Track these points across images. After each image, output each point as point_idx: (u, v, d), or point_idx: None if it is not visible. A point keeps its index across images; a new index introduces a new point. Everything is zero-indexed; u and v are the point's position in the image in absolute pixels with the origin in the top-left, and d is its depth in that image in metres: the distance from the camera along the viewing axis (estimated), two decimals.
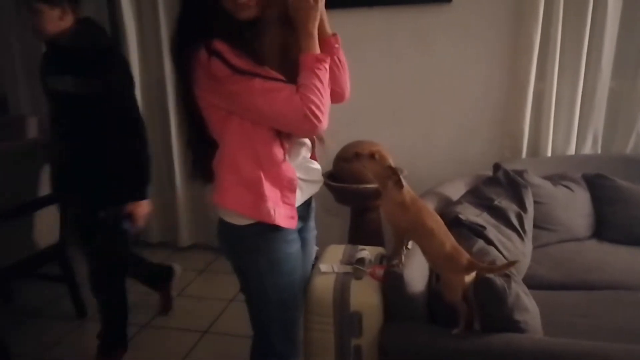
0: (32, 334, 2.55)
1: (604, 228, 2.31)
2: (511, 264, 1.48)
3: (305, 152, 1.48)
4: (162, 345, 2.45)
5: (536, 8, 2.55)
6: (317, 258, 1.71)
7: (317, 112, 1.29)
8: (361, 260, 1.65)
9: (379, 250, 1.81)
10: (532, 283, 1.78)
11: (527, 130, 2.72)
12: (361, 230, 2.70)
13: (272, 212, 1.34)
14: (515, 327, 1.41)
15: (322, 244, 1.92)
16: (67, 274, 2.66)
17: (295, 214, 1.40)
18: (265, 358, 1.50)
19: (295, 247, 1.44)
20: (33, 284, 2.94)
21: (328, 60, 1.34)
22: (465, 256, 1.41)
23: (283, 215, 1.37)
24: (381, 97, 2.97)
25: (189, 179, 1.49)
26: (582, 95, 2.64)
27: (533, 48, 2.60)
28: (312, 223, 1.60)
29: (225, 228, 1.41)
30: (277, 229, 1.36)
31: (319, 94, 1.29)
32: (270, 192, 1.35)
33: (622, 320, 1.71)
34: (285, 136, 1.36)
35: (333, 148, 2.67)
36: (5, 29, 3.38)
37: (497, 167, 2.30)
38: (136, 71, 3.23)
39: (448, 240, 1.43)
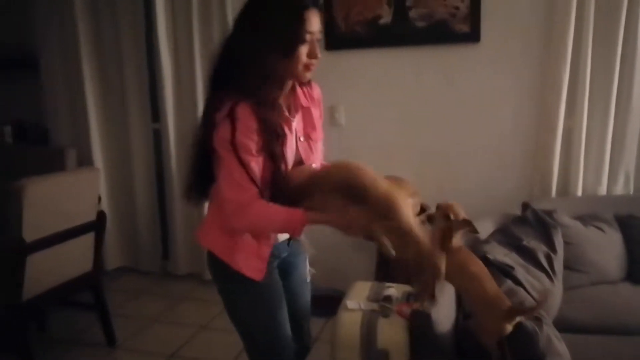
0: None
1: (637, 270, 2.25)
2: (543, 300, 1.45)
3: None
4: None
5: (565, 45, 2.56)
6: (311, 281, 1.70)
7: (242, 227, 1.40)
8: (388, 298, 1.66)
9: (405, 288, 1.81)
10: (563, 326, 1.76)
11: (556, 169, 2.70)
12: (387, 265, 2.70)
13: (240, 263, 1.44)
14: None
15: (349, 280, 1.93)
16: (99, 302, 2.72)
17: (264, 267, 1.46)
18: None
19: (276, 280, 1.51)
20: (66, 311, 3.02)
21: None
22: (506, 302, 1.39)
23: (251, 268, 1.44)
24: (409, 134, 3.00)
25: (183, 198, 1.53)
26: (613, 134, 2.62)
27: (562, 85, 2.60)
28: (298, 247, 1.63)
29: (210, 257, 1.50)
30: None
31: (258, 227, 1.41)
32: (247, 243, 1.44)
33: None
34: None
35: None
36: (49, 62, 3.56)
37: (525, 206, 2.29)
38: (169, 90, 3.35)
39: (490, 285, 1.41)
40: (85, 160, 3.53)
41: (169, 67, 3.33)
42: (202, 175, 1.45)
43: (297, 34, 1.29)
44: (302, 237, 1.58)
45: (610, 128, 2.62)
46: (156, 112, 3.46)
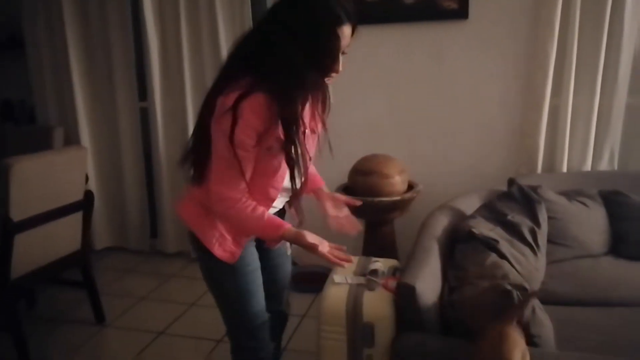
0: (53, 339, 2.62)
1: (620, 245, 2.29)
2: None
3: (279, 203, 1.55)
4: (178, 353, 2.49)
5: (552, 24, 2.57)
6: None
7: (221, 217, 1.45)
8: (374, 272, 1.68)
9: (392, 262, 1.83)
10: (546, 298, 1.79)
11: (542, 146, 2.73)
12: (375, 243, 2.73)
13: (214, 240, 1.47)
14: (529, 341, 1.42)
15: None
16: (88, 281, 2.73)
17: (239, 252, 1.49)
18: (235, 353, 1.63)
19: (251, 254, 1.55)
20: (55, 289, 3.03)
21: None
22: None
23: (225, 250, 1.48)
24: (397, 111, 3.01)
25: (178, 164, 1.52)
26: (599, 111, 2.65)
27: (549, 63, 2.62)
28: None
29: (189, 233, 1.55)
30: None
31: (235, 225, 1.46)
32: (225, 227, 1.48)
33: (637, 337, 1.70)
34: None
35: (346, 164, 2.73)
36: (35, 42, 3.50)
37: (511, 182, 2.31)
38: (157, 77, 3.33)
39: None
40: (72, 139, 3.51)
41: (156, 45, 3.29)
42: (202, 155, 1.44)
43: (333, 53, 1.30)
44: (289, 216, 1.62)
45: (596, 105, 2.64)
46: (143, 90, 3.43)
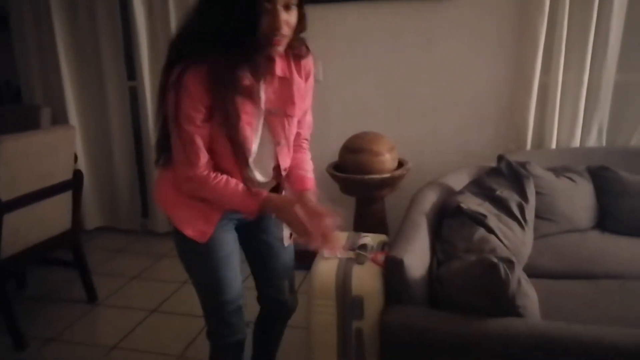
0: (45, 317, 2.63)
1: (607, 219, 2.33)
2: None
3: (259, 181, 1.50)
4: (170, 330, 2.51)
5: (542, 1, 2.56)
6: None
7: (194, 196, 1.45)
8: (364, 246, 1.70)
9: (381, 237, 1.84)
10: (533, 272, 1.82)
11: (531, 123, 2.74)
12: (365, 220, 2.74)
13: (184, 221, 1.46)
14: (515, 311, 1.44)
15: None
16: (79, 260, 2.73)
17: (211, 231, 1.46)
18: (207, 336, 1.62)
19: (224, 237, 1.51)
20: (45, 269, 3.03)
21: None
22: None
23: (196, 229, 1.46)
24: (386, 89, 3.00)
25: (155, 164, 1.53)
26: (588, 88, 2.65)
27: (538, 41, 2.61)
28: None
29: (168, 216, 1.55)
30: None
31: (211, 200, 1.44)
32: (195, 205, 1.46)
33: (622, 308, 1.73)
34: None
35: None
36: (20, 21, 3.44)
37: (500, 158, 2.32)
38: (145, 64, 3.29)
39: None
40: (60, 119, 3.48)
41: (144, 24, 3.25)
42: (166, 137, 1.41)
43: (253, 7, 1.20)
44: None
45: (585, 82, 2.64)
46: (132, 69, 3.39)
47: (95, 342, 2.41)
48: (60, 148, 2.52)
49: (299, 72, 1.47)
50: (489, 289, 1.45)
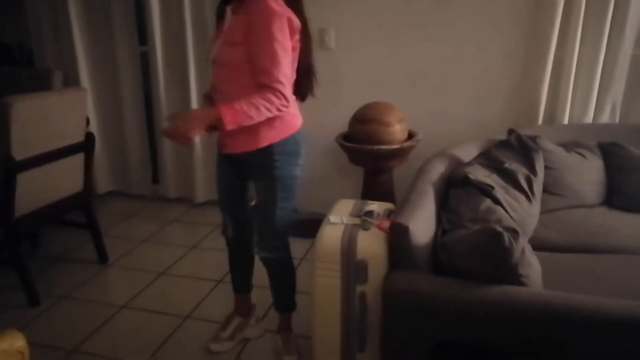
0: (58, 276, 2.70)
1: (615, 196, 2.32)
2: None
3: None
4: (178, 292, 2.57)
5: None
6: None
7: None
8: (370, 213, 1.71)
9: (388, 205, 1.86)
10: (538, 245, 1.83)
11: (544, 98, 2.71)
12: (373, 191, 2.75)
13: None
14: (517, 280, 1.46)
15: (335, 202, 1.98)
16: (90, 222, 2.78)
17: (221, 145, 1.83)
18: None
19: (220, 166, 1.92)
20: (59, 230, 3.09)
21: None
22: None
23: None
24: (398, 60, 2.98)
25: None
26: (603, 64, 2.61)
27: (556, 13, 2.56)
28: (242, 170, 1.86)
29: None
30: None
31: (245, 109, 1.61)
32: None
33: (625, 282, 1.75)
34: None
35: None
36: None
37: (510, 131, 2.31)
38: (157, 23, 3.28)
39: None
40: (71, 83, 3.50)
41: None
42: None
43: None
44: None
45: (602, 57, 2.60)
46: (143, 35, 3.39)
47: (106, 301, 2.47)
48: (72, 110, 2.54)
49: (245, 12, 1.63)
50: (492, 257, 1.46)
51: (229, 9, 1.71)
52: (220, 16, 1.76)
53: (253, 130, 1.67)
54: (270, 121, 1.67)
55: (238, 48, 1.62)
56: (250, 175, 1.86)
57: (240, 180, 1.92)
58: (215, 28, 1.80)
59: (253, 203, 1.88)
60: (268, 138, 1.71)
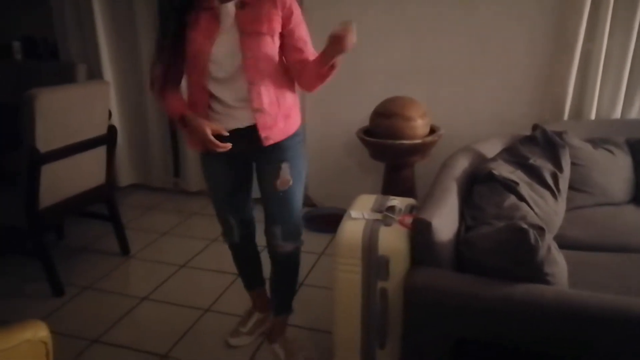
0: (81, 267, 2.74)
1: None
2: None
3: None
4: (199, 284, 2.59)
5: None
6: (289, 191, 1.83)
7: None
8: (391, 209, 1.69)
9: (410, 201, 1.84)
10: (564, 243, 1.78)
11: (571, 92, 2.64)
12: (395, 186, 2.73)
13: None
14: (543, 279, 1.43)
15: (356, 197, 1.97)
16: (113, 214, 2.82)
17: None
18: None
19: (215, 164, 1.82)
20: (82, 222, 3.14)
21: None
22: None
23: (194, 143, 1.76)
24: (421, 53, 2.93)
25: None
26: (633, 57, 2.54)
27: (584, 5, 2.49)
28: (271, 155, 1.75)
29: None
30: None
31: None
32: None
33: None
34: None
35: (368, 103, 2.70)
36: None
37: (535, 127, 2.27)
38: None
39: None
40: (95, 76, 3.53)
41: None
42: None
43: None
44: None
45: (631, 51, 2.53)
46: None
47: (127, 292, 2.50)
48: (94, 102, 2.56)
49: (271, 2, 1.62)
50: (517, 255, 1.43)
51: (229, 5, 1.60)
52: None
53: (289, 114, 1.74)
54: (297, 103, 1.79)
55: (264, 38, 1.60)
56: (259, 173, 1.83)
57: (243, 177, 1.88)
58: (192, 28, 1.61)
59: (282, 190, 1.78)
60: (298, 119, 1.80)
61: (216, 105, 1.68)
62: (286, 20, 1.64)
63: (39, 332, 1.08)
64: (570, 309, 1.35)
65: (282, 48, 1.69)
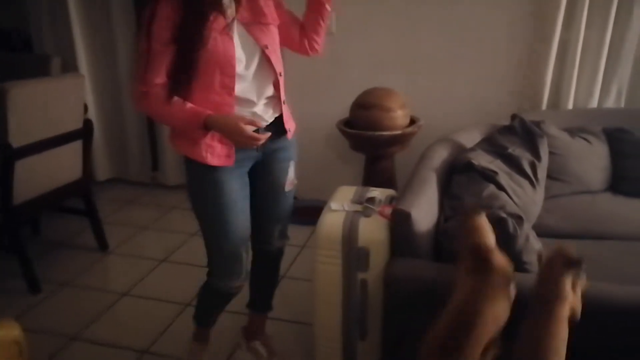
0: (58, 263, 2.69)
1: (620, 181, 2.29)
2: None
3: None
4: (179, 279, 2.56)
5: None
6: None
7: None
8: (371, 200, 1.69)
9: (389, 191, 1.84)
10: (542, 231, 1.80)
11: (549, 82, 2.66)
12: (375, 177, 2.73)
13: (203, 153, 1.49)
14: (521, 267, 1.44)
15: (336, 189, 1.96)
16: (90, 209, 2.77)
17: (232, 152, 1.51)
18: (207, 276, 1.74)
19: (231, 184, 1.54)
20: (59, 217, 3.08)
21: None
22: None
23: (218, 155, 1.50)
24: (401, 44, 2.93)
25: None
26: (610, 46, 2.56)
27: None
28: (281, 153, 1.67)
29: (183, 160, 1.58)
30: (212, 167, 1.51)
31: (160, 120, 1.64)
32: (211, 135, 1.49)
33: (629, 268, 1.72)
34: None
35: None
36: None
37: (514, 116, 2.28)
38: None
39: None
40: (70, 69, 3.44)
41: None
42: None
43: None
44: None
45: (608, 40, 2.55)
46: None
47: (106, 288, 2.46)
48: (69, 96, 2.51)
49: None
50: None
51: None
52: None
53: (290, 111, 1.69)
54: None
55: (270, 28, 1.56)
56: (264, 170, 1.67)
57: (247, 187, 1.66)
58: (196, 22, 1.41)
59: (289, 189, 1.73)
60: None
61: (241, 109, 1.51)
62: (277, 6, 1.60)
63: (11, 331, 1.06)
64: None
65: (284, 30, 1.62)
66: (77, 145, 2.62)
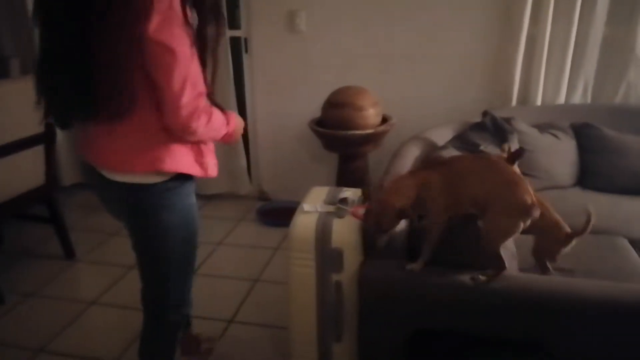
0: (23, 273, 2.59)
1: (588, 176, 2.33)
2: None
3: None
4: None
5: None
6: None
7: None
8: (344, 200, 1.67)
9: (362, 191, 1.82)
10: None
11: (518, 77, 2.69)
12: (348, 177, 2.72)
13: (207, 160, 1.33)
14: None
15: (309, 190, 1.93)
16: (55, 216, 2.67)
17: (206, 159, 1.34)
18: (161, 317, 1.59)
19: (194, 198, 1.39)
20: (22, 225, 2.97)
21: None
22: (566, 229, 1.57)
23: (213, 165, 1.35)
24: (372, 43, 2.92)
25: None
26: (575, 43, 2.61)
27: None
28: None
29: (130, 190, 1.32)
30: (187, 182, 1.32)
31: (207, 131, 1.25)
32: (207, 146, 1.34)
33: (597, 262, 1.75)
34: None
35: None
36: None
37: (485, 113, 2.29)
38: None
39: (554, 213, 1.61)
40: (30, 70, 3.33)
41: None
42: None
43: None
44: None
45: (573, 35, 2.59)
46: None
47: (74, 298, 2.38)
48: (30, 99, 2.40)
49: None
50: (467, 241, 1.44)
51: None
52: None
53: None
54: None
55: None
56: None
57: None
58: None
59: None
60: None
61: None
62: None
63: None
64: (520, 294, 1.37)
65: None
66: (39, 150, 2.52)
